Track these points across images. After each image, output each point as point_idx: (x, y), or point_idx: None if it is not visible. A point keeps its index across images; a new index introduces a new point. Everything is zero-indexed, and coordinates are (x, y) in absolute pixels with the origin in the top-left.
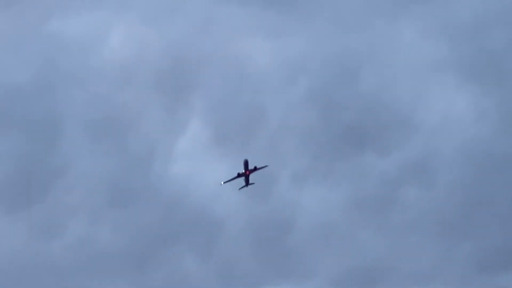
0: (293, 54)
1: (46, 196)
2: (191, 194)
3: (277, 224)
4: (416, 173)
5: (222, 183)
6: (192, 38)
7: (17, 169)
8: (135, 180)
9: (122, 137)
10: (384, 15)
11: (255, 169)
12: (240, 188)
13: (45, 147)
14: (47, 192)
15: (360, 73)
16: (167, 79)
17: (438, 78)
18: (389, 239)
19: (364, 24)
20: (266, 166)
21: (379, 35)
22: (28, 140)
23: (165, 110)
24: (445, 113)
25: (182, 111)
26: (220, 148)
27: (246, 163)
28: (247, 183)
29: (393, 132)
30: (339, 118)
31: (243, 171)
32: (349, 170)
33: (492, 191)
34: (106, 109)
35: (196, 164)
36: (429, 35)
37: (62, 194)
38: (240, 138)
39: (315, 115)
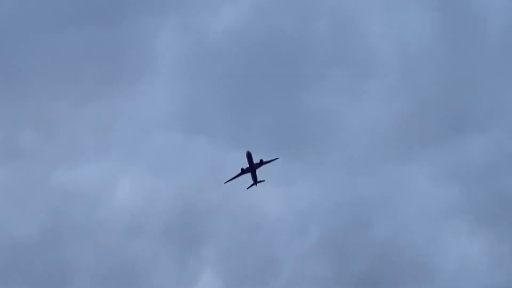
0: (303, 201)
1: None
2: None
3: None
4: None
5: (224, 183)
6: (201, 187)
7: None
8: None
9: None
10: (394, 159)
11: (262, 163)
12: (248, 187)
13: None
14: None
15: (372, 219)
16: (177, 230)
17: (452, 224)
18: None
19: (374, 169)
20: (277, 158)
21: (390, 180)
22: None
23: (175, 261)
24: (460, 259)
25: (193, 262)
26: None
27: (249, 156)
28: (255, 180)
29: (408, 279)
30: (353, 266)
31: (248, 166)
32: None
33: None
34: (115, 261)
35: None
36: (441, 179)
37: None
38: None
39: (328, 263)
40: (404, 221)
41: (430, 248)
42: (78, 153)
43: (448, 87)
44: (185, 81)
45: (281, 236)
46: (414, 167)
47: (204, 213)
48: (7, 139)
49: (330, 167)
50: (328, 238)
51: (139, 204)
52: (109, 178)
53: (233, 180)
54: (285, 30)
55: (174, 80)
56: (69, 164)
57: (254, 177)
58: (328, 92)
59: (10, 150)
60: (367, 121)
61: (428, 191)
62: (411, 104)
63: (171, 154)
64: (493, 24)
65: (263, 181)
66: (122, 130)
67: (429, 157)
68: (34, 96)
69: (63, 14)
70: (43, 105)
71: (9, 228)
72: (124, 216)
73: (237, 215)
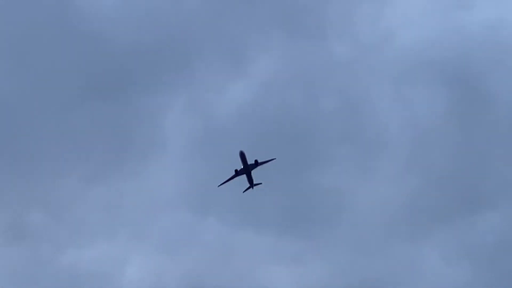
0: (313, 281)
1: None
2: None
3: None
4: None
5: (218, 186)
6: (210, 267)
7: None
8: None
9: None
10: (405, 238)
11: (257, 164)
12: (244, 191)
13: None
14: None
15: None
16: None
17: None
18: None
19: (385, 248)
20: (273, 159)
21: (401, 259)
22: None
23: None
24: None
25: None
26: None
27: (242, 155)
28: (251, 183)
29: None
30: None
31: (241, 167)
32: None
33: None
34: None
35: None
36: (452, 258)
37: None
38: None
39: None
40: None
41: None
42: (86, 233)
43: (459, 165)
44: (194, 160)
45: None
46: (425, 246)
47: None
48: (14, 219)
49: (340, 246)
50: None
51: (148, 284)
52: (118, 258)
53: (228, 183)
54: (294, 108)
55: (183, 158)
56: (78, 245)
57: (250, 180)
58: (338, 170)
59: (17, 231)
60: (377, 199)
61: (439, 270)
62: (421, 182)
63: (180, 234)
64: (504, 101)
65: (260, 183)
66: (131, 210)
67: (440, 236)
68: (41, 176)
69: (70, 93)
70: (50, 185)
71: None
72: None
73: None
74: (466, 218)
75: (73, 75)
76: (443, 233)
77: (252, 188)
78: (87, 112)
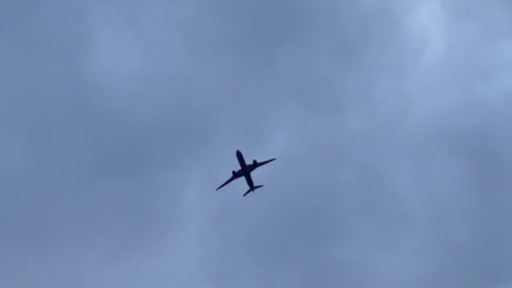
0: None
1: None
2: None
3: None
4: None
5: (216, 189)
6: None
7: None
8: None
9: None
10: None
11: (256, 164)
12: (245, 194)
13: None
14: None
15: None
16: None
17: None
18: None
19: None
20: (274, 159)
21: None
22: None
23: None
24: None
25: None
26: None
27: (239, 156)
28: (251, 185)
29: None
30: None
31: (240, 168)
32: None
33: None
34: None
35: None
36: None
37: None
38: None
39: None
40: None
41: None
42: None
43: (480, 236)
44: (212, 236)
45: None
46: None
47: None
48: None
49: None
50: None
51: None
52: None
53: (226, 186)
54: (312, 182)
55: (201, 235)
56: None
57: (249, 181)
58: (358, 245)
59: None
60: (398, 274)
61: None
62: (443, 255)
63: None
64: None
65: (261, 186)
66: None
67: None
68: (59, 255)
69: (87, 170)
70: (69, 264)
71: None
72: None
73: None
74: None
75: (90, 152)
76: None
77: (253, 191)
78: (104, 189)
